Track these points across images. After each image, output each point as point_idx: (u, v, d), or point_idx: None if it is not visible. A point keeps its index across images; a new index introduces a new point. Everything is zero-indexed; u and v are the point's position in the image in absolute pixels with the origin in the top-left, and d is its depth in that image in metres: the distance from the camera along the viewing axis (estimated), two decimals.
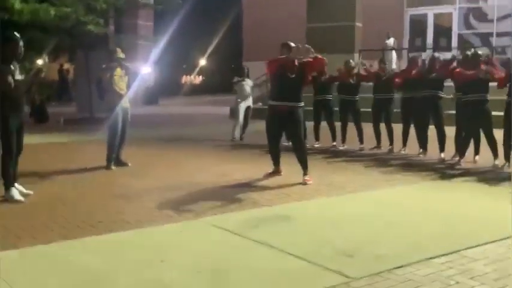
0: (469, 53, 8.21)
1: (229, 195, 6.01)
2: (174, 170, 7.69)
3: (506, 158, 7.55)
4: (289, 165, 6.95)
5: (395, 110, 9.65)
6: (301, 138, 6.90)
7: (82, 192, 6.22)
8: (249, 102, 11.28)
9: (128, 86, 7.82)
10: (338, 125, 10.15)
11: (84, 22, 14.69)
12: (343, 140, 10.05)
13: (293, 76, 6.60)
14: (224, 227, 4.66)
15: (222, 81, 38.91)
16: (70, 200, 5.78)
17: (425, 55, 16.32)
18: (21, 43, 5.71)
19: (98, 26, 14.99)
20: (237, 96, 11.25)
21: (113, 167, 7.66)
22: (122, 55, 7.82)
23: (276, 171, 7.08)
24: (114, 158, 7.73)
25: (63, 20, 14.54)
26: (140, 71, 8.82)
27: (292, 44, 6.68)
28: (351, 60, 10.57)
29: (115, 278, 3.52)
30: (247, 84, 11.25)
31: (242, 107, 11.16)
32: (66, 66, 27.65)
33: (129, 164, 7.86)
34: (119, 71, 7.70)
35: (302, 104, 6.80)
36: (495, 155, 7.77)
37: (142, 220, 4.97)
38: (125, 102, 7.77)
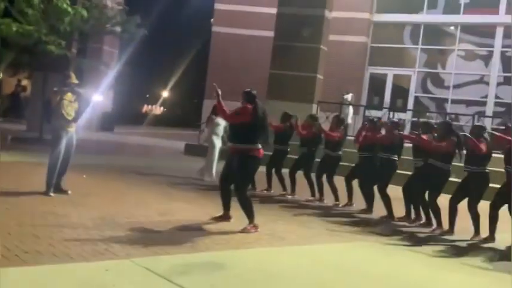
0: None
1: (168, 236, 5.87)
2: (115, 203, 7.49)
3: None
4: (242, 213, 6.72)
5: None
6: (241, 186, 6.68)
7: (15, 218, 5.95)
8: (220, 142, 11.07)
9: (78, 112, 7.65)
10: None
11: (45, 42, 14.48)
12: (292, 189, 10.08)
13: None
14: (153, 270, 4.51)
15: (182, 115, 38.87)
16: (0, 226, 5.51)
17: (381, 114, 16.74)
18: None
19: (59, 48, 14.79)
20: (212, 133, 11.02)
21: (52, 194, 7.41)
22: (75, 80, 7.69)
23: (225, 216, 6.93)
24: (53, 184, 7.48)
25: (24, 37, 14.32)
26: (92, 98, 8.68)
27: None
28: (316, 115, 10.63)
29: None
30: (222, 123, 10.94)
31: (217, 144, 10.97)
32: (24, 82, 27.14)
33: (69, 192, 7.62)
34: (69, 96, 7.55)
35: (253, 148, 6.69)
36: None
37: (71, 255, 4.77)
38: (70, 127, 7.59)
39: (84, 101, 7.78)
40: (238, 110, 6.74)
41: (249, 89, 6.88)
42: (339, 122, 9.88)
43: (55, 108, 7.49)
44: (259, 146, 6.68)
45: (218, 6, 23.89)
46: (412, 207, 8.49)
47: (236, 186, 6.66)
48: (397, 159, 8.70)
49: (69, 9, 14.58)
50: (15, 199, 7.01)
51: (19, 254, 4.63)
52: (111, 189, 8.77)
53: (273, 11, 18.77)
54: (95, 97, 9.24)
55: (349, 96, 18.36)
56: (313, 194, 9.85)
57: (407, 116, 18.98)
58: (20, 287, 3.82)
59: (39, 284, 3.95)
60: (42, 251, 4.81)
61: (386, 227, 7.99)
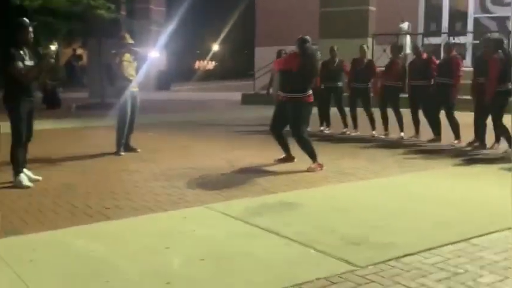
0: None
1: (237, 181, 5.97)
2: (183, 156, 7.67)
3: None
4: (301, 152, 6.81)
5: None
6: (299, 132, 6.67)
7: (90, 179, 6.22)
8: None
9: (137, 71, 7.78)
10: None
11: (95, 7, 14.67)
12: (355, 126, 9.98)
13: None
14: (229, 214, 4.62)
15: (235, 66, 38.83)
16: (78, 186, 5.78)
17: (441, 40, 16.09)
18: (30, 28, 5.68)
19: (109, 11, 14.96)
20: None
21: (122, 153, 7.66)
22: (130, 40, 7.78)
23: (288, 158, 7.02)
24: (123, 144, 7.72)
25: (74, 4, 14.55)
26: (149, 55, 8.78)
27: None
28: (365, 46, 10.32)
29: (120, 265, 3.50)
30: None
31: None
32: (79, 51, 27.71)
33: (138, 150, 7.86)
34: (127, 57, 7.67)
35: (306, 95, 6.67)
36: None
37: (149, 206, 4.96)
38: (133, 88, 7.74)
39: (142, 59, 7.89)
40: (287, 57, 6.72)
41: (300, 36, 6.72)
42: (398, 50, 9.66)
43: (116, 71, 7.64)
44: (310, 91, 6.64)
45: None
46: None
47: (294, 132, 6.67)
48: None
49: None
50: (89, 161, 7.30)
51: (101, 210, 4.85)
52: (177, 143, 8.97)
53: None
54: (151, 55, 9.33)
55: (405, 25, 17.66)
56: (373, 128, 9.70)
57: (467, 39, 18.16)
58: (106, 241, 4.00)
59: (123, 235, 4.13)
60: (122, 205, 5.01)
61: (455, 153, 7.82)
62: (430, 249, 3.73)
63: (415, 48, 9.83)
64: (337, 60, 10.00)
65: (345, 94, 10.16)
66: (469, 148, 8.17)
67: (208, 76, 35.95)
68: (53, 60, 6.04)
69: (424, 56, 9.18)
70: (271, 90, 10.81)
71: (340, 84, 10.13)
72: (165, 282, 3.22)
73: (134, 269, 3.44)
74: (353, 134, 9.87)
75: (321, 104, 9.92)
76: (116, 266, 3.49)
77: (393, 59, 9.66)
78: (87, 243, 3.91)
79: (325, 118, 10.27)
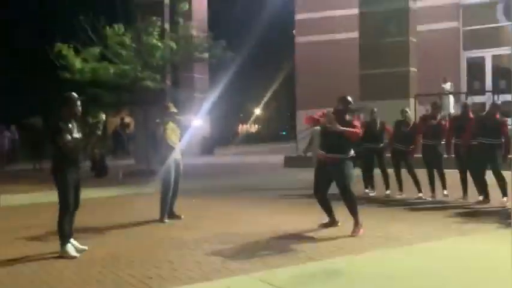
0: None
1: (281, 248, 5.90)
2: (226, 222, 7.67)
3: None
4: (346, 216, 6.75)
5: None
6: (347, 188, 6.69)
7: (135, 247, 6.27)
8: None
9: (180, 139, 7.96)
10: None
11: (141, 78, 15.23)
12: (400, 188, 9.81)
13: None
14: (273, 283, 4.55)
15: (277, 129, 39.25)
16: (123, 255, 5.82)
17: (485, 98, 15.90)
18: (78, 102, 5.93)
19: (155, 82, 15.49)
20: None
21: (166, 220, 7.72)
22: (174, 109, 8.01)
23: (332, 222, 6.94)
24: (167, 211, 7.80)
25: (122, 77, 15.16)
26: (192, 123, 9.00)
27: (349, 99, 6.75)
28: (407, 109, 10.31)
29: None
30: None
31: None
32: (126, 120, 28.61)
33: (182, 217, 7.91)
34: (171, 125, 7.87)
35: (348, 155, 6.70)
36: None
37: (192, 276, 4.94)
38: (177, 155, 7.89)
39: (185, 127, 8.08)
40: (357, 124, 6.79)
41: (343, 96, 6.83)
42: (436, 108, 9.63)
43: (160, 139, 7.83)
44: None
45: (298, 16, 23.86)
46: None
47: (343, 190, 6.61)
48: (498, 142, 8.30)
49: (159, 43, 15.29)
50: (133, 229, 7.38)
51: (144, 280, 4.85)
52: (220, 209, 8.98)
53: (354, 11, 18.47)
54: (194, 122, 9.57)
55: (447, 85, 17.56)
56: (419, 190, 9.50)
57: None
58: None
59: None
60: (164, 275, 5.01)
61: (503, 214, 7.54)
62: None
63: (464, 106, 9.66)
64: (378, 121, 9.99)
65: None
66: None
67: (251, 139, 36.36)
68: (99, 132, 6.25)
69: (471, 115, 9.06)
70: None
71: (382, 145, 10.08)
72: None
73: None
74: (398, 196, 9.70)
75: (365, 166, 9.87)
76: None
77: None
78: None
79: (369, 180, 10.16)
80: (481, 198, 8.63)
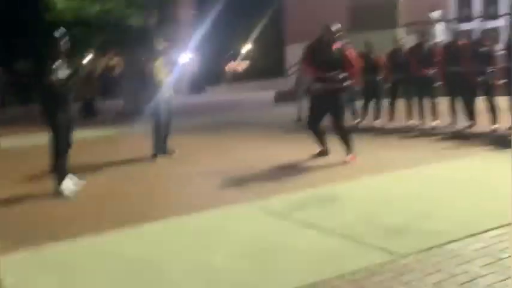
0: None
1: (276, 177, 6.01)
2: (220, 156, 7.75)
3: None
4: (339, 145, 6.84)
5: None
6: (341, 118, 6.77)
7: (131, 183, 6.36)
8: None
9: (169, 76, 7.89)
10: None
11: (126, 16, 14.93)
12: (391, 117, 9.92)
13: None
14: (270, 210, 4.66)
15: (266, 65, 38.88)
16: (119, 191, 5.92)
17: (474, 25, 15.76)
18: (64, 40, 5.82)
19: (140, 19, 15.18)
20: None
21: (160, 156, 7.78)
22: (161, 46, 7.90)
23: (324, 151, 7.03)
24: (160, 147, 7.85)
25: (106, 16, 14.85)
26: (181, 59, 8.89)
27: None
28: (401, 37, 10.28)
29: (164, 265, 3.57)
30: None
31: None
32: (114, 60, 28.17)
33: (176, 152, 7.97)
34: (159, 62, 7.78)
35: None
36: None
37: (189, 207, 5.03)
38: (167, 92, 7.85)
39: (173, 63, 7.99)
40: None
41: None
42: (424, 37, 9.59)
43: (149, 76, 7.76)
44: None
45: None
46: None
47: (336, 121, 6.66)
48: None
49: None
50: (127, 166, 7.44)
51: (144, 212, 4.93)
52: (213, 144, 9.06)
53: None
54: (182, 58, 9.45)
55: (436, 14, 17.38)
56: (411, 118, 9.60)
57: (502, 23, 17.74)
58: (150, 242, 4.09)
59: (165, 236, 4.21)
60: (163, 207, 5.10)
61: (493, 139, 7.68)
62: (473, 235, 3.70)
63: (455, 33, 9.58)
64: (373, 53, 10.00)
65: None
66: (507, 133, 8.03)
67: (241, 76, 36.05)
68: (87, 70, 6.19)
69: (462, 42, 9.03)
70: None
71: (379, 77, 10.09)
72: (207, 279, 3.28)
73: (177, 268, 3.51)
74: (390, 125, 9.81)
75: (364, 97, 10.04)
76: (159, 266, 3.57)
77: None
78: (131, 246, 4.00)
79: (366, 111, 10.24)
80: (469, 123, 8.74)
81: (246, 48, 41.29)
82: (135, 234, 4.29)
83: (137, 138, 10.01)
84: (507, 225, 3.85)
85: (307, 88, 10.63)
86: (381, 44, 10.30)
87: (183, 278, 3.35)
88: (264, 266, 3.44)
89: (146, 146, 7.96)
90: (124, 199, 5.50)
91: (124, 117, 15.19)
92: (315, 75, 6.78)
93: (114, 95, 24.81)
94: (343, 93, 6.69)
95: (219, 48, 38.09)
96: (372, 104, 10.14)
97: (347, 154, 6.61)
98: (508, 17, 18.17)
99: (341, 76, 6.58)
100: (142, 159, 7.79)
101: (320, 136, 6.99)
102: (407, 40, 11.48)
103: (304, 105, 10.79)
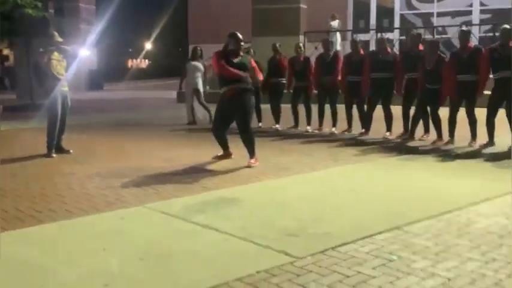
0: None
1: (176, 180, 5.93)
2: (118, 156, 7.53)
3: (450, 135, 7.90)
4: (239, 149, 6.88)
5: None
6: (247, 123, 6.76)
7: (22, 182, 5.99)
8: (196, 85, 10.94)
9: (67, 70, 7.56)
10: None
11: (22, 5, 14.15)
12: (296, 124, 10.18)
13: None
14: (168, 213, 4.59)
15: (169, 64, 38.47)
16: (9, 191, 5.55)
17: (369, 36, 16.56)
18: None
19: (37, 9, 14.45)
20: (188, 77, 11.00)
21: (54, 155, 7.43)
22: (59, 38, 7.55)
23: (226, 155, 7.02)
24: (54, 145, 7.49)
25: (1, 3, 13.98)
26: (79, 53, 8.57)
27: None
28: (301, 44, 10.55)
29: (56, 269, 3.40)
30: (196, 66, 10.91)
31: (188, 90, 11.05)
32: (5, 52, 26.63)
33: (71, 151, 7.64)
34: (56, 55, 7.44)
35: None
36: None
37: (84, 208, 4.84)
38: (63, 87, 7.52)
39: (72, 57, 7.67)
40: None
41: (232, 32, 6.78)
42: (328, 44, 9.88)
43: (45, 70, 7.39)
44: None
45: None
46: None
47: (242, 125, 6.67)
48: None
49: None
50: (19, 164, 7.02)
51: (33, 214, 4.68)
52: (111, 144, 8.79)
53: None
54: (81, 53, 9.11)
55: (335, 23, 18.07)
56: (320, 124, 9.85)
57: (394, 35, 18.82)
58: (40, 245, 3.88)
59: (58, 239, 4.02)
60: (55, 208, 4.86)
61: (387, 146, 8.10)
62: (365, 237, 3.86)
63: (353, 42, 9.89)
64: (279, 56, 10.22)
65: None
66: (399, 140, 8.52)
67: (142, 75, 35.37)
68: None
69: (361, 51, 9.39)
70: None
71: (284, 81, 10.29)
72: (103, 284, 3.16)
73: (71, 272, 3.35)
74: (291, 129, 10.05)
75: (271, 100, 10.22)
76: (51, 270, 3.39)
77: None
78: (20, 248, 3.78)
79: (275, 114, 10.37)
80: (362, 131, 9.17)
81: (148, 46, 40.63)
82: (23, 237, 4.05)
83: (31, 134, 9.51)
84: (397, 228, 4.07)
85: (196, 90, 10.71)
86: (284, 50, 10.52)
87: (77, 282, 3.21)
88: (162, 270, 3.38)
89: (41, 143, 7.57)
90: (13, 200, 5.17)
91: (17, 112, 14.37)
92: (233, 76, 6.64)
93: (5, 87, 23.45)
94: (251, 96, 6.69)
95: (120, 45, 37.15)
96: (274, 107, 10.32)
97: (250, 157, 6.65)
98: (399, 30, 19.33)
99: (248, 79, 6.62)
100: (36, 157, 7.40)
101: (223, 141, 6.97)
102: (307, 47, 11.88)
103: (194, 107, 10.81)
